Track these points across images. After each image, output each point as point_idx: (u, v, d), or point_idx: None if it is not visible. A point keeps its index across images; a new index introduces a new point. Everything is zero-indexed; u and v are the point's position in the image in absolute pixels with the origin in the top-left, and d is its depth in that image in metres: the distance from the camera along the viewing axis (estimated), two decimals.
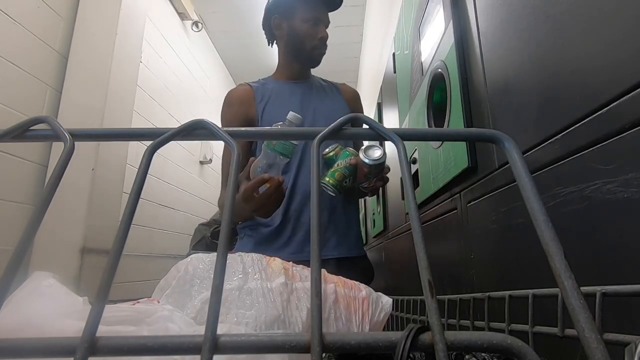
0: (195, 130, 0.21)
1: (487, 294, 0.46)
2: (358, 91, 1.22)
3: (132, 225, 0.18)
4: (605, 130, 0.39)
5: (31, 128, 0.22)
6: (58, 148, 1.62)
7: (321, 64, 1.10)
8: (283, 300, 0.40)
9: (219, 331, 0.15)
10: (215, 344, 0.14)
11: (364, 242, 2.40)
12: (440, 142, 0.89)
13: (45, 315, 0.29)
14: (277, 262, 0.46)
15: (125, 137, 0.23)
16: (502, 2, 0.62)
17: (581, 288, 0.15)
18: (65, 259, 1.63)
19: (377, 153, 0.85)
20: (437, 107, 0.97)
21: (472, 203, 0.75)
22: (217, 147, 3.34)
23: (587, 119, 0.42)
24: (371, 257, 1.17)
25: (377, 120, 1.54)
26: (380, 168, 0.86)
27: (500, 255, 0.63)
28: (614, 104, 0.38)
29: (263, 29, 1.11)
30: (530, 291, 0.38)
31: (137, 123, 2.16)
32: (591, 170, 0.41)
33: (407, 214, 1.01)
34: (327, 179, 0.88)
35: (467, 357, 0.35)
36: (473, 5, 0.74)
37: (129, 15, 2.02)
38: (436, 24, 0.94)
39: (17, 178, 1.59)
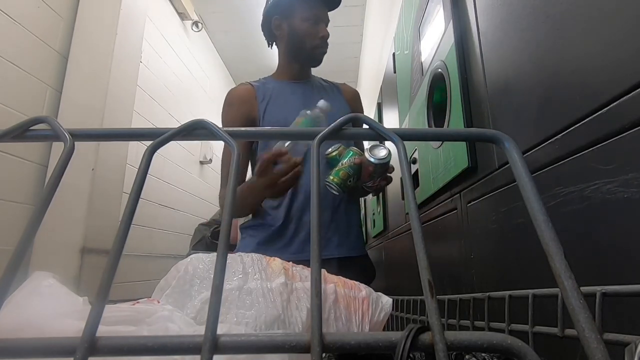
0: (195, 130, 0.21)
1: (487, 294, 0.46)
2: (358, 91, 1.23)
3: (132, 225, 0.18)
4: (605, 130, 0.39)
5: (31, 128, 0.22)
6: (58, 148, 1.62)
7: (321, 63, 1.10)
8: (283, 300, 0.40)
9: (219, 331, 0.15)
10: (215, 344, 0.14)
11: (365, 242, 2.40)
12: (440, 142, 0.89)
13: (45, 315, 0.29)
14: (277, 262, 0.46)
15: (125, 137, 0.23)
16: (502, 2, 0.62)
17: (581, 288, 0.15)
18: (65, 259, 1.63)
19: (382, 152, 0.85)
20: (437, 107, 0.97)
21: (472, 203, 0.75)
22: (217, 147, 3.34)
23: (587, 119, 0.42)
24: (371, 257, 1.17)
25: (377, 120, 1.54)
26: (385, 167, 0.86)
27: (500, 255, 0.63)
28: (614, 104, 0.38)
29: (262, 30, 1.11)
30: (530, 291, 0.38)
31: (137, 123, 2.16)
32: (591, 170, 0.41)
33: (407, 214, 1.01)
34: (332, 177, 0.89)
35: (467, 357, 0.35)
36: (473, 5, 0.74)
37: (129, 15, 2.02)
38: (436, 24, 0.94)
39: (17, 178, 1.59)
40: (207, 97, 3.44)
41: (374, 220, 2.13)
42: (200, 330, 0.18)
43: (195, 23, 3.04)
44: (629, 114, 0.36)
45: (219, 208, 2.78)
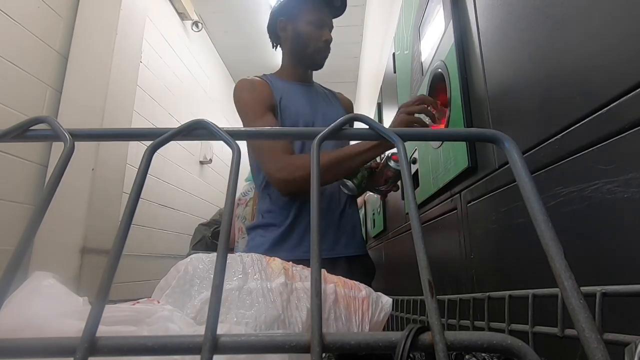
0: (195, 130, 0.21)
1: (487, 294, 0.46)
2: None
3: (132, 225, 0.18)
4: (605, 130, 0.39)
5: (31, 128, 0.22)
6: (58, 148, 1.62)
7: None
8: (283, 300, 0.40)
9: (219, 331, 0.15)
10: (215, 344, 0.14)
11: (365, 242, 2.40)
12: (440, 142, 0.89)
13: (45, 315, 0.29)
14: (276, 262, 0.46)
15: (125, 137, 0.23)
16: (502, 2, 0.62)
17: (581, 288, 0.15)
18: (65, 259, 1.63)
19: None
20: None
21: (472, 203, 0.75)
22: (217, 147, 3.34)
23: (587, 119, 0.42)
24: (371, 257, 1.18)
25: (377, 120, 1.54)
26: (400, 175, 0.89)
27: (500, 255, 0.63)
28: (614, 104, 0.38)
29: (268, 32, 1.12)
30: (530, 291, 0.38)
31: (137, 123, 2.16)
32: (591, 170, 0.41)
33: (407, 214, 1.01)
34: (352, 177, 0.92)
35: (467, 357, 0.35)
36: (473, 5, 0.74)
37: (129, 15, 2.02)
38: (436, 24, 0.94)
39: (17, 178, 1.59)
40: (207, 97, 3.44)
41: (374, 220, 2.13)
42: (200, 330, 0.18)
43: (195, 23, 3.04)
44: (629, 114, 0.36)
45: (219, 208, 2.78)
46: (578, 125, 0.43)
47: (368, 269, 1.08)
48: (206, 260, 0.43)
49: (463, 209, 0.79)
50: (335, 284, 0.45)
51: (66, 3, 1.86)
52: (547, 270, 0.16)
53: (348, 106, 1.22)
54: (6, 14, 1.54)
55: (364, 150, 0.89)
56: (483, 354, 0.33)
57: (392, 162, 0.89)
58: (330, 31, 1.08)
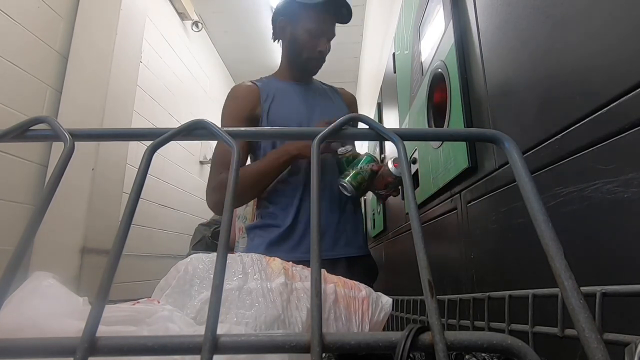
0: (195, 130, 0.21)
1: (487, 294, 0.46)
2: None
3: (132, 225, 0.18)
4: (605, 130, 0.39)
5: (31, 128, 0.22)
6: (58, 148, 1.62)
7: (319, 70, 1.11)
8: (283, 300, 0.40)
9: (219, 331, 0.15)
10: (215, 344, 0.14)
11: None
12: (440, 142, 0.89)
13: (45, 315, 0.29)
14: (276, 262, 0.46)
15: (125, 137, 0.23)
16: (502, 2, 0.62)
17: (581, 288, 0.15)
18: (65, 259, 1.63)
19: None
20: (437, 107, 0.97)
21: (472, 203, 0.75)
22: None
23: (587, 119, 0.42)
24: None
25: (377, 120, 1.54)
26: (401, 181, 0.88)
27: (500, 255, 0.63)
28: (614, 104, 0.38)
29: (272, 24, 1.11)
30: (530, 291, 0.38)
31: (137, 123, 2.16)
32: (591, 170, 0.41)
33: (407, 214, 1.01)
34: (349, 179, 0.92)
35: (467, 357, 0.35)
36: (473, 5, 0.74)
37: (129, 15, 2.02)
38: (436, 24, 0.94)
39: (17, 178, 1.59)
40: (207, 97, 3.44)
41: (374, 220, 2.13)
42: (200, 330, 0.18)
43: (195, 23, 3.04)
44: (629, 114, 0.36)
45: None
46: (578, 125, 0.43)
47: (370, 270, 1.07)
48: (206, 260, 0.43)
49: (463, 209, 0.79)
50: (335, 284, 0.45)
51: (66, 3, 1.86)
52: (547, 270, 0.16)
53: (350, 101, 1.20)
54: (6, 13, 1.54)
55: (279, 165, 0.93)
56: (483, 354, 0.33)
57: (392, 167, 0.89)
58: (330, 40, 1.06)
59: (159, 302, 0.38)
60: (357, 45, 3.62)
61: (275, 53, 1.13)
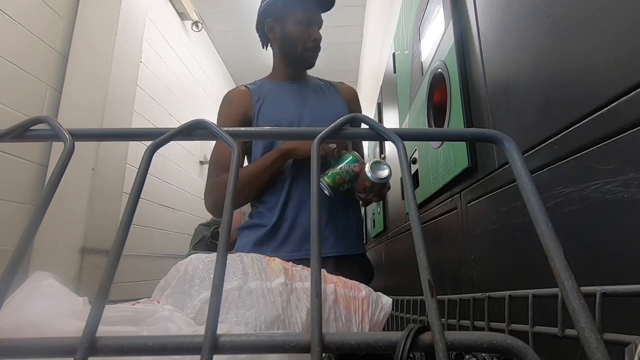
0: (195, 130, 0.21)
1: (487, 294, 0.46)
2: (358, 91, 1.23)
3: (132, 225, 0.18)
4: (605, 130, 0.39)
5: (31, 128, 0.22)
6: (58, 148, 1.62)
7: (321, 64, 1.10)
8: (283, 300, 0.40)
9: (219, 331, 0.15)
10: (215, 344, 0.14)
11: (365, 242, 2.40)
12: (440, 142, 0.89)
13: (45, 315, 0.29)
14: (276, 262, 0.46)
15: (125, 137, 0.23)
16: (502, 2, 0.62)
17: (581, 288, 0.15)
18: (65, 259, 1.63)
19: (384, 173, 0.84)
20: (437, 107, 0.97)
21: (472, 203, 0.75)
22: None
23: (587, 119, 0.42)
24: (371, 257, 1.17)
25: (377, 120, 1.54)
26: (382, 186, 0.85)
27: (500, 255, 0.63)
28: (614, 104, 0.38)
29: (257, 32, 1.11)
30: (530, 291, 0.38)
31: (137, 123, 2.16)
32: (591, 170, 0.41)
33: (407, 214, 1.01)
34: (327, 179, 0.88)
35: (467, 357, 0.35)
36: (473, 5, 0.74)
37: (128, 15, 2.02)
38: (436, 24, 0.94)
39: (17, 178, 1.59)
40: (207, 97, 3.44)
41: (374, 220, 2.13)
42: (200, 330, 0.18)
43: (195, 23, 3.04)
44: (629, 114, 0.36)
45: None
46: (578, 125, 0.43)
47: (363, 269, 1.04)
48: (206, 260, 0.43)
49: (463, 209, 0.79)
50: (335, 284, 0.45)
51: (66, 3, 1.86)
52: (547, 270, 0.16)
53: (350, 95, 1.16)
54: (6, 13, 1.54)
55: (271, 162, 0.93)
56: (483, 354, 0.33)
57: (369, 171, 0.83)
58: (320, 27, 1.06)
59: (159, 302, 0.38)
60: (357, 45, 3.62)
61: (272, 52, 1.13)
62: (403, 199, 1.38)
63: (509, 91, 0.60)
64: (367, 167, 0.84)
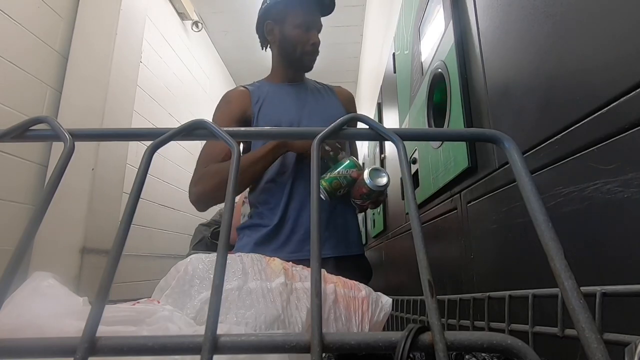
0: (195, 130, 0.21)
1: (487, 294, 0.46)
2: (358, 91, 1.24)
3: (132, 225, 0.18)
4: (605, 130, 0.39)
5: (31, 128, 0.22)
6: (58, 148, 1.62)
7: (321, 64, 1.10)
8: (283, 300, 0.40)
9: (219, 331, 0.15)
10: (215, 344, 0.14)
11: (364, 242, 2.40)
12: (440, 142, 0.89)
13: (45, 315, 0.29)
14: (276, 262, 0.46)
15: (125, 137, 0.23)
16: (502, 2, 0.62)
17: (581, 288, 0.15)
18: (65, 259, 1.63)
19: (383, 180, 0.84)
20: (437, 107, 0.97)
21: (472, 203, 0.75)
22: None
23: (587, 119, 0.42)
24: (371, 257, 1.17)
25: (377, 120, 1.54)
26: (379, 194, 0.85)
27: (500, 255, 0.63)
28: (614, 104, 0.38)
29: (257, 33, 1.12)
30: (530, 291, 0.38)
31: (137, 123, 2.16)
32: (591, 170, 0.41)
33: (407, 214, 1.01)
34: (324, 183, 0.87)
35: (467, 357, 0.35)
36: (473, 5, 0.74)
37: (128, 15, 2.02)
38: (436, 24, 0.94)
39: (17, 178, 1.59)
40: (207, 97, 3.44)
41: (374, 220, 2.13)
42: (200, 330, 0.18)
43: (195, 23, 3.04)
44: (629, 114, 0.36)
45: (219, 208, 2.79)
46: (578, 125, 0.43)
47: (361, 270, 1.05)
48: (206, 260, 0.43)
49: (463, 209, 0.79)
50: (335, 284, 0.45)
51: (66, 3, 1.86)
52: (547, 270, 0.16)
53: (347, 99, 1.18)
54: (6, 14, 1.54)
55: (264, 154, 0.91)
56: (483, 354, 0.33)
57: (367, 178, 0.82)
58: (319, 32, 1.06)
59: (159, 302, 0.38)
60: (357, 45, 3.62)
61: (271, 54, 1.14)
62: (403, 199, 1.38)
63: (509, 91, 0.60)
64: (365, 174, 0.83)
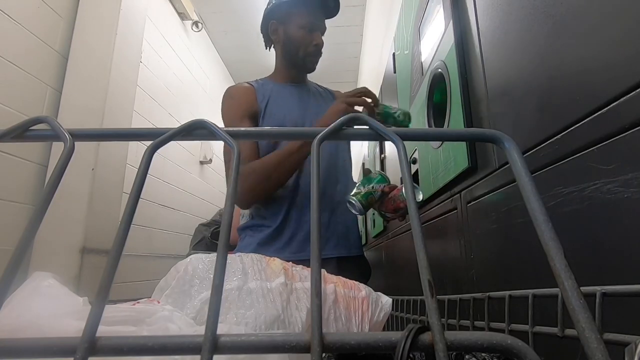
0: (195, 130, 0.21)
1: (487, 294, 0.46)
2: None
3: (132, 225, 0.18)
4: (605, 130, 0.39)
5: (31, 128, 0.22)
6: (58, 148, 1.62)
7: (321, 64, 1.11)
8: (283, 300, 0.40)
9: (219, 331, 0.15)
10: (215, 344, 0.14)
11: (364, 242, 2.40)
12: (440, 142, 0.89)
13: (45, 315, 0.29)
14: (276, 263, 0.46)
15: (125, 137, 0.23)
16: (502, 2, 0.62)
17: (581, 288, 0.15)
18: (65, 259, 1.63)
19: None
20: (437, 107, 0.97)
21: (472, 203, 0.75)
22: (217, 147, 3.34)
23: (587, 119, 0.42)
24: (371, 257, 1.17)
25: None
26: None
27: (500, 255, 0.63)
28: (614, 104, 0.38)
29: (261, 32, 1.13)
30: (530, 291, 0.38)
31: (137, 123, 2.16)
32: (591, 170, 0.41)
33: (407, 214, 1.01)
34: (361, 198, 0.92)
35: (467, 357, 0.35)
36: (473, 5, 0.74)
37: (128, 15, 2.02)
38: (436, 24, 0.94)
39: (17, 178, 1.59)
40: (207, 97, 3.44)
41: (374, 220, 2.13)
42: (200, 330, 0.18)
43: (195, 23, 3.04)
44: (629, 114, 0.36)
45: (219, 208, 2.79)
46: (578, 125, 0.43)
47: (362, 270, 1.07)
48: (206, 260, 0.43)
49: (463, 209, 0.79)
50: (334, 284, 0.45)
51: (66, 3, 1.86)
52: (547, 270, 0.16)
53: None
54: (6, 14, 1.54)
55: (295, 149, 0.90)
56: (483, 354, 0.33)
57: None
58: (323, 34, 1.08)
59: (159, 302, 0.38)
60: (357, 45, 3.62)
61: (274, 54, 1.15)
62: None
63: (509, 91, 0.60)
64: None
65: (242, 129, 0.23)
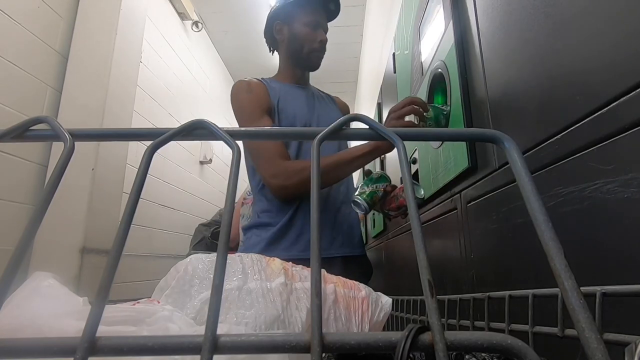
0: (195, 130, 0.21)
1: (487, 294, 0.46)
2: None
3: (132, 225, 0.18)
4: (605, 130, 0.39)
5: (31, 128, 0.22)
6: (58, 148, 1.62)
7: (321, 63, 1.12)
8: (283, 300, 0.40)
9: (219, 331, 0.15)
10: (215, 344, 0.14)
11: (365, 242, 2.40)
12: (440, 142, 0.89)
13: (45, 315, 0.29)
14: (276, 262, 0.46)
15: (125, 137, 0.23)
16: (502, 2, 0.62)
17: (581, 288, 0.15)
18: (65, 259, 1.63)
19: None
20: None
21: (472, 203, 0.75)
22: (217, 147, 3.34)
23: (587, 119, 0.42)
24: (371, 257, 1.18)
25: (377, 120, 1.54)
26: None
27: (500, 255, 0.63)
28: (614, 104, 0.38)
29: (265, 37, 1.15)
30: (530, 291, 0.38)
31: (137, 123, 2.16)
32: (591, 170, 0.41)
33: (407, 214, 1.01)
34: (366, 198, 0.94)
35: (467, 357, 0.35)
36: (473, 5, 0.74)
37: (128, 15, 2.02)
38: (436, 24, 0.94)
39: (17, 178, 1.59)
40: (207, 97, 3.44)
41: (374, 220, 2.13)
42: (200, 330, 0.18)
43: (195, 23, 3.04)
44: (629, 114, 0.36)
45: (219, 208, 2.79)
46: (578, 125, 0.43)
47: (364, 269, 1.09)
48: (206, 260, 0.43)
49: (463, 209, 0.79)
50: (335, 284, 0.45)
51: (66, 3, 1.86)
52: (547, 270, 0.16)
53: (345, 109, 1.25)
54: (6, 14, 1.54)
55: (362, 154, 0.90)
56: (483, 354, 0.33)
57: None
58: (325, 33, 1.10)
59: (159, 302, 0.38)
60: (357, 45, 3.62)
61: (274, 54, 1.16)
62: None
63: (509, 91, 0.60)
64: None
65: (242, 129, 0.23)
